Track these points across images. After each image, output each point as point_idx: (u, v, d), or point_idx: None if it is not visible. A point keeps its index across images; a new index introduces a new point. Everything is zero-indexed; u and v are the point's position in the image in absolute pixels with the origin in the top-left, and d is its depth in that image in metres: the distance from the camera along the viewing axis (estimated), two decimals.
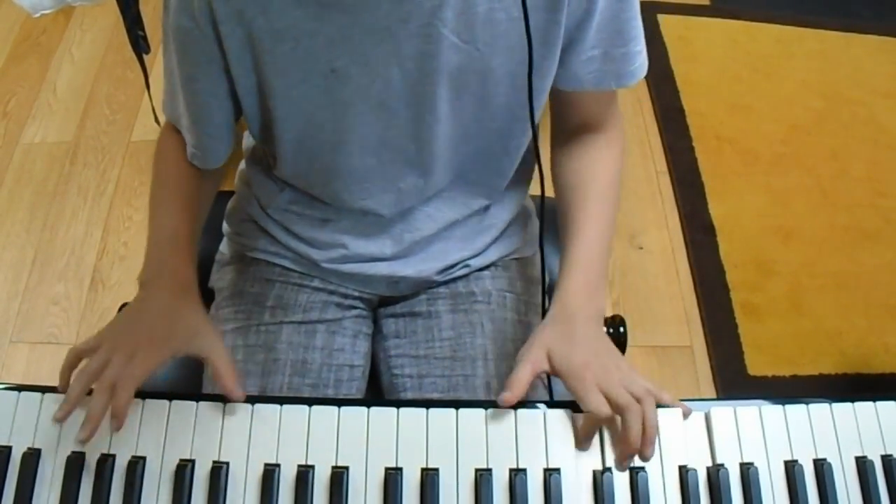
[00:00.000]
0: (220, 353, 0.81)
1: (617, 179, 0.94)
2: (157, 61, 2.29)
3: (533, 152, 0.89)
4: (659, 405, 0.77)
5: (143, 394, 0.77)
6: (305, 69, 0.79)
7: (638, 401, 0.76)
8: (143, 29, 1.71)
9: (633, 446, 0.75)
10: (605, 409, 0.75)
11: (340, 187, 0.92)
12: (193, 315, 0.84)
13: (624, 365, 0.80)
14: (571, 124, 0.95)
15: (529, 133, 0.91)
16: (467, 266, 1.02)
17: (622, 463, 0.76)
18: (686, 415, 0.78)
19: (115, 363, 0.76)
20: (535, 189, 1.07)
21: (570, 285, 0.86)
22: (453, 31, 0.76)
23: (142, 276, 0.87)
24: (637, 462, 0.76)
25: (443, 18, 0.75)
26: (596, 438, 0.77)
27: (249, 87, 0.82)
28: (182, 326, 0.82)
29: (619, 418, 0.76)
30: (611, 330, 1.15)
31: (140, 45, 1.72)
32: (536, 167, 1.01)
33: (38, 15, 2.44)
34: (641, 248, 1.91)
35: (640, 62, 0.86)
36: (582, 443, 0.77)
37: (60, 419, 0.75)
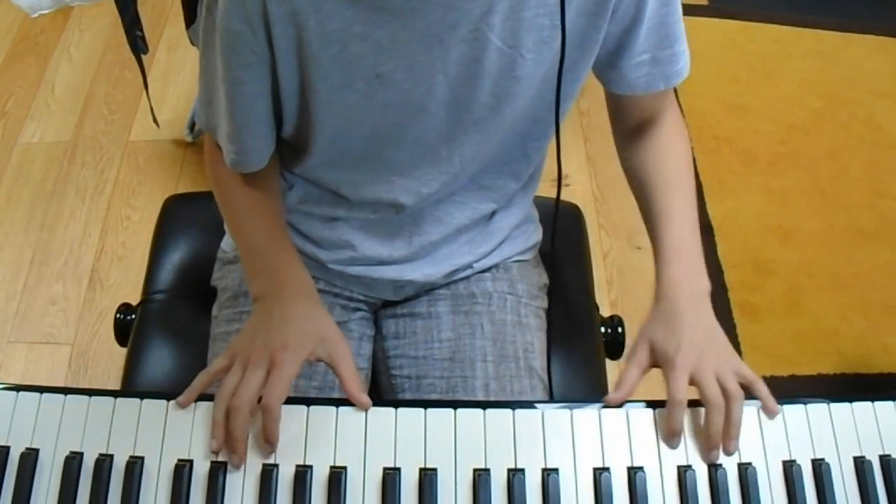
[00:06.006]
0: (347, 360, 0.80)
1: (688, 162, 0.96)
2: (155, 61, 2.29)
3: (556, 155, 0.89)
4: (753, 397, 0.78)
5: (141, 394, 0.77)
6: (350, 73, 0.78)
7: (727, 395, 0.76)
8: (141, 29, 1.70)
9: (713, 441, 0.76)
10: (679, 394, 0.76)
11: (365, 174, 0.91)
12: (321, 318, 0.84)
13: (725, 352, 0.80)
14: (632, 123, 0.96)
15: (549, 134, 0.92)
16: (470, 268, 1.02)
17: (705, 456, 0.76)
18: (773, 414, 0.78)
19: (252, 379, 0.75)
20: (545, 191, 1.07)
21: (669, 276, 0.86)
22: (499, 37, 0.77)
23: (256, 289, 0.86)
24: (637, 462, 0.76)
25: (490, 24, 0.76)
26: (591, 437, 0.77)
27: (292, 89, 0.82)
28: (312, 330, 0.81)
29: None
30: (609, 330, 1.16)
31: (138, 45, 1.71)
32: (541, 171, 1.02)
33: (36, 15, 2.44)
34: (640, 248, 1.91)
35: (685, 61, 0.88)
36: (665, 435, 0.77)
37: (216, 450, 0.74)
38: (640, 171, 0.95)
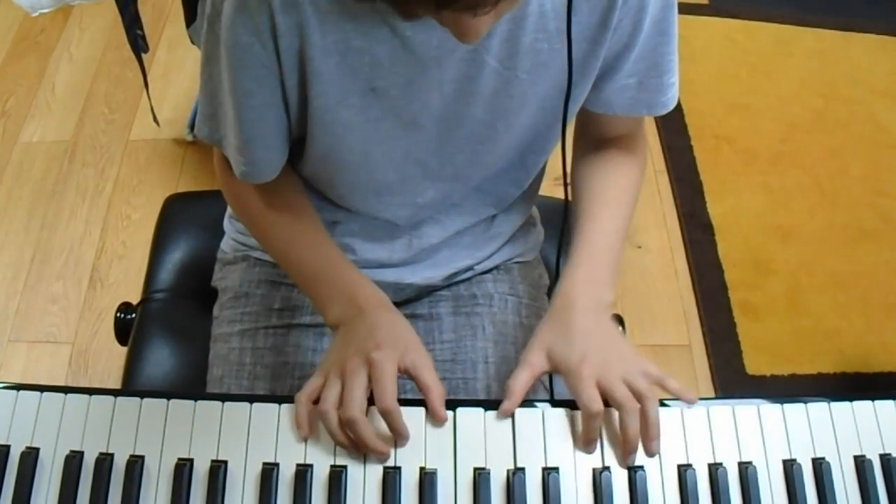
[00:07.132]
0: (431, 370, 0.78)
1: (634, 189, 0.94)
2: (155, 61, 2.29)
3: (562, 165, 0.89)
4: (666, 397, 0.77)
5: (141, 393, 0.77)
6: (346, 86, 0.78)
7: (640, 397, 0.75)
8: (141, 28, 1.70)
9: (630, 444, 0.74)
10: (595, 406, 0.74)
11: (358, 199, 0.92)
12: (406, 328, 0.83)
13: (629, 355, 0.79)
14: (597, 136, 0.95)
15: (548, 149, 0.92)
16: (471, 270, 1.02)
17: (623, 460, 0.75)
18: (691, 402, 0.77)
19: (355, 386, 0.75)
20: (547, 190, 1.07)
21: (572, 277, 0.85)
22: (496, 58, 0.77)
23: (333, 317, 0.85)
24: (637, 461, 0.75)
25: (488, 46, 0.76)
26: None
27: (293, 104, 0.81)
28: (397, 337, 0.80)
29: (617, 415, 0.75)
30: None
31: (138, 44, 1.71)
32: (542, 176, 1.02)
33: (36, 14, 2.44)
34: (640, 248, 1.91)
35: (673, 93, 0.87)
36: (583, 444, 0.76)
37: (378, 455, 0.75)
38: (584, 180, 0.94)
